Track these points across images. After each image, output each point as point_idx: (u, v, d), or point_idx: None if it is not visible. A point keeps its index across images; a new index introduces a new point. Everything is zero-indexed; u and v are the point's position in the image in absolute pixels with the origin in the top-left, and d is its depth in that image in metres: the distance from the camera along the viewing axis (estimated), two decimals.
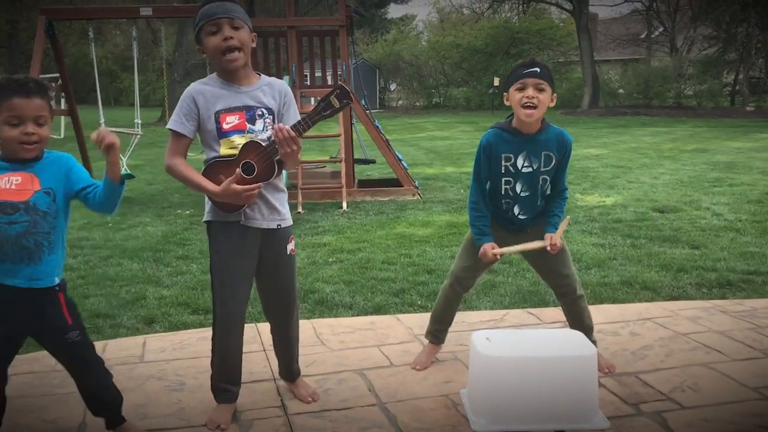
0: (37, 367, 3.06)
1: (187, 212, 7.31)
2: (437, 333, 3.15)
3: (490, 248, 2.82)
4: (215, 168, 2.44)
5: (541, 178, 2.85)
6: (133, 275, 4.81)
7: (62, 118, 18.41)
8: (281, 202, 2.57)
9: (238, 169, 2.38)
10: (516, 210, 2.90)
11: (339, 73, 8.72)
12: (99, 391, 2.41)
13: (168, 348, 3.38)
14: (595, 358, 2.54)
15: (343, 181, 7.76)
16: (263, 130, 2.46)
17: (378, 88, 36.98)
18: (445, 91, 34.98)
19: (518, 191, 2.86)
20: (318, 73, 9.42)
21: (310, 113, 2.39)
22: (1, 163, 2.18)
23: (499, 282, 4.41)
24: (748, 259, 4.91)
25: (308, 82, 10.71)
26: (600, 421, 2.53)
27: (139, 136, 9.20)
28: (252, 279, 2.62)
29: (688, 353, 3.22)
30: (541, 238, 2.86)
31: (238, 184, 2.38)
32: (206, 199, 2.54)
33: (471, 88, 33.42)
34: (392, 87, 39.79)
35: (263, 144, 2.41)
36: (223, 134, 2.44)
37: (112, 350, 3.35)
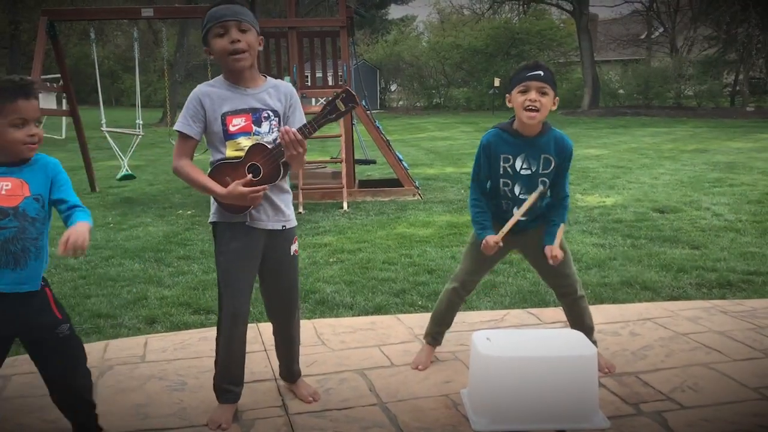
0: (36, 367, 3.06)
1: (189, 212, 7.32)
2: (436, 335, 3.16)
3: (491, 239, 2.82)
4: (221, 170, 2.46)
5: (540, 180, 2.84)
6: (135, 275, 4.82)
7: (63, 118, 18.47)
8: (286, 203, 2.60)
9: (249, 176, 2.41)
10: (515, 211, 2.90)
11: (340, 73, 8.73)
12: (84, 391, 2.40)
13: (169, 348, 3.39)
14: (595, 358, 2.55)
15: (344, 181, 7.77)
16: (269, 132, 2.48)
17: (378, 88, 37.01)
18: (446, 92, 35.00)
19: (517, 193, 2.87)
20: (319, 74, 9.41)
21: (316, 117, 2.41)
22: None
23: (500, 282, 4.42)
24: (748, 260, 4.92)
25: (309, 83, 10.71)
26: (600, 421, 2.54)
27: (140, 136, 9.20)
28: (255, 279, 2.63)
29: (689, 353, 3.22)
30: (542, 240, 2.88)
31: (243, 185, 2.40)
32: (212, 200, 2.55)
33: (471, 88, 33.44)
34: (393, 87, 39.82)
35: (269, 146, 2.43)
36: (229, 136, 2.45)
37: (113, 350, 3.36)
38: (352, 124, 8.77)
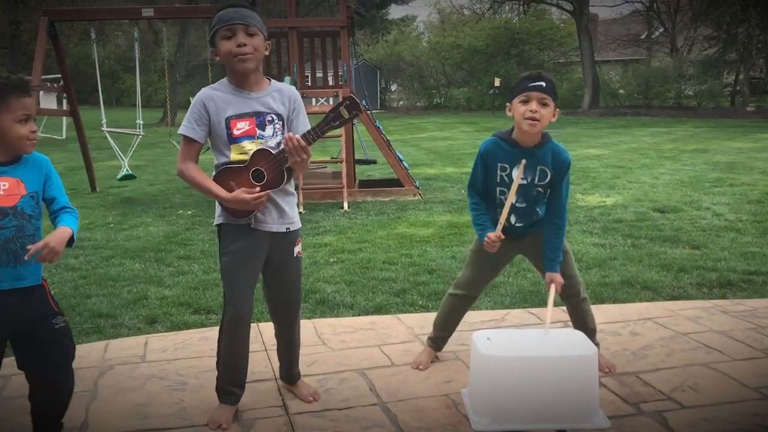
0: None
1: (189, 212, 7.32)
2: (438, 340, 3.16)
3: (491, 235, 2.82)
4: (226, 174, 2.48)
5: (536, 190, 2.85)
6: (135, 275, 4.82)
7: (64, 118, 18.47)
8: (291, 205, 2.61)
9: (258, 188, 2.43)
10: (513, 219, 2.91)
11: (340, 73, 8.73)
12: (68, 391, 2.40)
13: (170, 348, 3.39)
14: (595, 357, 2.55)
15: (344, 181, 7.77)
16: (273, 135, 2.49)
17: (379, 88, 37.01)
18: (446, 92, 35.00)
19: (513, 202, 2.86)
20: (319, 74, 9.42)
21: (320, 124, 2.42)
22: None
23: (500, 282, 4.42)
24: (748, 259, 4.92)
25: (309, 83, 10.72)
26: (601, 420, 2.54)
27: (140, 136, 9.20)
28: (258, 280, 2.64)
29: (689, 353, 3.22)
30: (540, 246, 2.89)
31: (248, 192, 2.42)
32: (217, 203, 2.56)
33: (471, 88, 33.44)
34: (393, 87, 39.82)
35: (273, 152, 2.44)
36: (233, 140, 2.47)
37: (113, 350, 3.36)
38: (353, 125, 8.77)
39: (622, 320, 3.69)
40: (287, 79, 8.06)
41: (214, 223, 2.63)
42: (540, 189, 2.85)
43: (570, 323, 3.17)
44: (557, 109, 2.79)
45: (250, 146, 2.46)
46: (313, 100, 10.02)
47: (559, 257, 2.87)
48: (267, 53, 2.54)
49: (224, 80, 2.54)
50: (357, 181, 8.85)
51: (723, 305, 3.92)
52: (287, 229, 2.59)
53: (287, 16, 8.77)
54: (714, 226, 6.03)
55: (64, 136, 18.59)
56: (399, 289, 4.37)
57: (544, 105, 2.72)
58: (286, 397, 2.80)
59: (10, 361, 2.36)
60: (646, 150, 12.95)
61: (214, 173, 2.52)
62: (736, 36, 24.50)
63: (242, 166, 2.45)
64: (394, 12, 47.63)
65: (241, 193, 2.41)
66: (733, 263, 4.81)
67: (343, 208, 7.37)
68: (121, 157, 8.81)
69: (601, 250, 5.26)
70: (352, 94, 2.50)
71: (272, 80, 2.59)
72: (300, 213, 6.90)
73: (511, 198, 2.79)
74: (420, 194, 8.06)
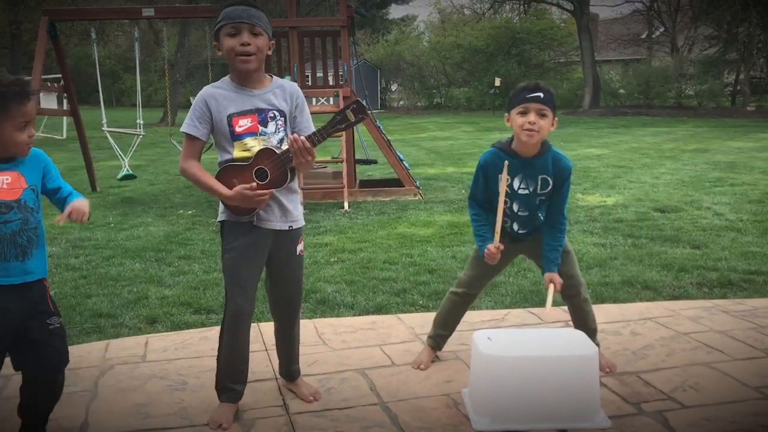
0: None
1: (189, 212, 7.32)
2: (437, 338, 3.16)
3: (491, 246, 2.83)
4: (228, 172, 2.48)
5: (538, 199, 2.86)
6: (135, 275, 4.82)
7: (64, 118, 18.47)
8: (294, 204, 2.61)
9: (255, 183, 2.43)
10: (515, 227, 2.93)
11: (340, 73, 8.73)
12: (58, 390, 2.41)
13: (170, 347, 3.39)
14: (596, 357, 2.55)
15: (345, 181, 7.77)
16: (275, 132, 2.50)
17: (379, 88, 37.02)
18: (446, 92, 35.00)
19: (515, 210, 2.88)
20: (319, 74, 9.42)
21: (326, 125, 2.42)
22: None
23: (500, 281, 4.42)
24: (749, 259, 4.91)
25: (309, 83, 10.72)
26: (601, 420, 2.54)
27: (141, 136, 9.20)
28: (260, 278, 2.65)
29: (690, 353, 3.22)
30: (539, 248, 2.90)
31: (250, 189, 2.42)
32: (220, 200, 2.56)
33: (472, 88, 33.44)
34: (393, 87, 39.82)
35: (277, 151, 2.45)
36: (236, 137, 2.47)
37: (114, 350, 3.36)
38: None
39: (623, 320, 3.69)
40: (288, 78, 8.06)
41: (217, 220, 2.63)
42: (542, 197, 2.86)
43: (570, 323, 3.17)
44: (556, 119, 2.79)
45: (253, 143, 2.47)
46: (314, 99, 9.99)
47: (557, 259, 2.88)
48: (270, 53, 2.54)
49: (226, 78, 2.55)
50: (357, 181, 8.85)
51: (724, 305, 3.92)
52: (290, 227, 2.60)
53: (287, 15, 8.76)
54: (714, 226, 6.03)
55: (64, 136, 18.60)
56: (399, 288, 4.37)
57: (543, 116, 2.72)
58: (287, 397, 2.80)
59: (10, 360, 2.36)
60: (647, 150, 12.95)
61: (217, 172, 2.52)
62: (737, 35, 24.49)
63: (246, 165, 2.46)
64: (395, 12, 47.68)
65: (242, 189, 2.41)
66: (734, 263, 4.80)
67: (343, 207, 7.37)
68: (122, 157, 8.81)
69: (602, 250, 5.26)
70: (358, 98, 2.50)
71: (274, 77, 2.60)
72: None
73: (501, 204, 2.79)
74: (420, 194, 8.06)
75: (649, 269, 4.71)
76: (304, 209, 7.66)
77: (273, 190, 2.47)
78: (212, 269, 4.90)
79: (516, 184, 2.84)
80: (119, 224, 6.74)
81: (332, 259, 5.18)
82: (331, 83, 9.26)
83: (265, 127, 2.48)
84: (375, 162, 9.86)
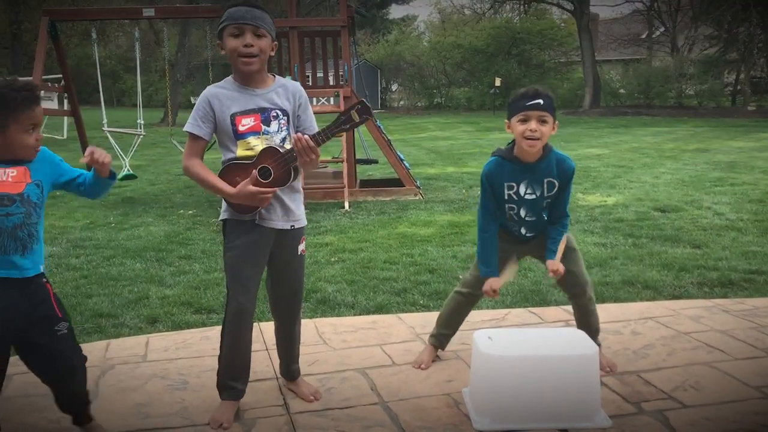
0: None
1: (190, 212, 7.32)
2: (440, 337, 3.16)
3: (491, 288, 2.87)
4: (231, 170, 2.49)
5: (545, 202, 2.87)
6: (136, 275, 4.82)
7: (65, 118, 18.48)
8: (297, 203, 2.62)
9: (254, 171, 2.43)
10: (522, 231, 2.94)
11: (341, 73, 8.73)
12: (80, 387, 2.42)
13: (171, 347, 3.39)
14: (596, 356, 2.55)
15: (345, 181, 7.77)
16: (278, 131, 2.51)
17: (379, 88, 37.00)
18: (447, 92, 34.98)
19: (523, 216, 2.89)
20: (319, 74, 9.41)
21: (331, 125, 2.44)
22: None
23: None
24: (749, 259, 4.91)
25: (310, 83, 10.71)
26: (602, 419, 2.54)
27: (141, 136, 9.19)
28: (262, 277, 2.65)
29: (690, 352, 3.22)
30: (543, 248, 2.90)
31: (253, 186, 2.42)
32: (222, 200, 2.58)
33: (472, 88, 33.42)
34: (394, 87, 39.80)
35: (281, 150, 2.45)
36: (239, 136, 2.48)
37: (114, 349, 3.36)
38: None
39: (624, 319, 3.69)
40: (288, 78, 8.06)
41: (219, 218, 2.64)
42: (549, 200, 2.87)
43: (571, 323, 3.17)
44: (556, 123, 2.80)
45: (256, 142, 2.48)
46: (314, 99, 9.99)
47: (558, 247, 2.88)
48: (273, 53, 2.55)
49: (229, 78, 2.56)
50: (358, 181, 8.85)
51: (724, 304, 3.92)
52: (292, 226, 2.60)
53: (288, 15, 8.76)
54: (715, 226, 6.03)
55: (65, 136, 18.59)
56: (400, 288, 4.37)
57: (543, 122, 2.73)
58: (288, 397, 2.81)
59: (12, 360, 2.36)
60: (647, 149, 12.94)
61: (220, 170, 2.53)
62: (737, 35, 24.48)
63: (249, 163, 2.46)
64: (395, 12, 47.64)
65: (245, 186, 2.41)
66: (734, 262, 4.80)
67: (344, 207, 7.37)
68: (122, 157, 8.81)
69: (602, 250, 5.26)
70: (363, 99, 2.51)
71: (277, 76, 2.61)
72: None
73: (508, 276, 2.87)
74: (421, 194, 8.06)
75: (649, 269, 4.71)
76: (306, 209, 7.65)
77: (276, 189, 2.48)
78: (213, 269, 4.91)
79: (522, 190, 2.84)
80: (120, 224, 6.74)
81: (333, 259, 5.18)
82: (331, 83, 9.25)
83: (268, 126, 2.49)
84: (376, 162, 9.86)
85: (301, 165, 2.46)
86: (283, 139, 2.51)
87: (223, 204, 2.59)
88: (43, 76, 8.92)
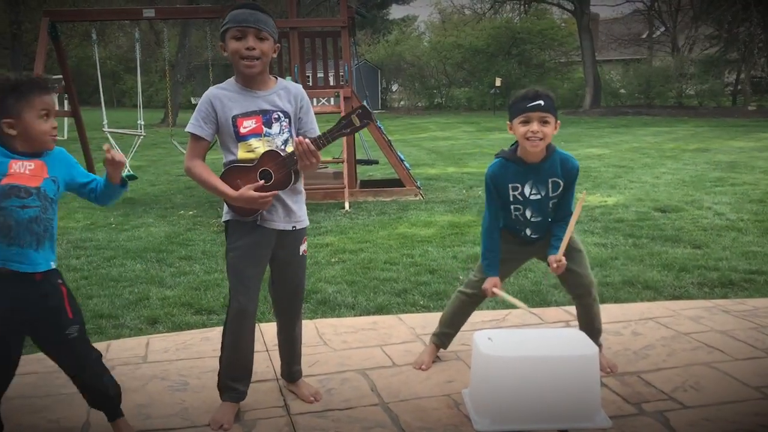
0: (40, 367, 3.07)
1: (190, 213, 7.32)
2: (443, 337, 3.17)
3: (491, 285, 2.87)
4: (233, 173, 2.51)
5: (550, 203, 2.87)
6: (137, 276, 4.82)
7: (65, 119, 18.47)
8: (299, 204, 2.64)
9: (262, 181, 2.45)
10: (528, 232, 2.95)
11: (341, 73, 8.74)
12: (98, 384, 2.44)
13: (171, 348, 3.39)
14: (596, 357, 2.54)
15: (346, 181, 7.77)
16: (279, 133, 2.52)
17: (380, 88, 36.98)
18: (447, 92, 34.98)
19: (528, 216, 2.90)
20: (320, 74, 9.42)
21: (332, 129, 2.45)
22: (12, 154, 2.24)
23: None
24: (750, 259, 4.91)
25: (310, 83, 10.72)
26: (602, 420, 2.54)
27: (141, 137, 9.22)
28: (263, 277, 2.66)
29: (690, 353, 3.22)
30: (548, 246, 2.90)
31: (254, 191, 2.44)
32: (224, 201, 2.58)
33: (473, 88, 33.40)
34: (394, 88, 39.79)
35: (282, 154, 2.47)
36: (240, 138, 2.49)
37: (115, 350, 3.36)
38: None
39: (624, 320, 3.69)
40: (288, 79, 8.06)
41: (222, 220, 2.66)
42: (555, 200, 2.87)
43: (571, 323, 3.17)
44: (558, 122, 2.80)
45: (257, 144, 2.49)
46: (314, 100, 10.00)
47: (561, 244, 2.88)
48: (275, 56, 2.56)
49: (231, 80, 2.57)
50: (358, 182, 8.85)
51: (724, 305, 3.92)
52: (293, 227, 2.62)
53: (288, 16, 8.78)
54: (715, 226, 6.03)
55: (65, 137, 18.57)
56: (400, 289, 4.38)
57: (545, 123, 2.73)
58: (288, 398, 2.81)
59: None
60: (648, 149, 12.94)
61: (222, 172, 2.54)
62: (738, 35, 24.46)
63: (250, 166, 2.48)
64: (395, 12, 47.63)
65: (246, 190, 2.43)
66: (735, 263, 4.80)
67: (344, 208, 7.37)
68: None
69: (603, 250, 5.26)
70: (364, 104, 2.53)
71: (279, 78, 2.62)
72: None
73: (511, 300, 2.84)
74: (421, 194, 8.06)
75: (649, 269, 4.71)
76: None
77: (276, 192, 2.49)
78: (213, 270, 4.91)
79: (527, 190, 2.84)
80: (120, 225, 6.74)
81: (333, 260, 5.18)
82: (332, 84, 9.26)
83: (270, 128, 2.50)
84: (376, 162, 9.86)
85: (301, 168, 2.48)
86: (285, 141, 2.52)
87: (225, 205, 2.60)
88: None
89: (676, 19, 30.91)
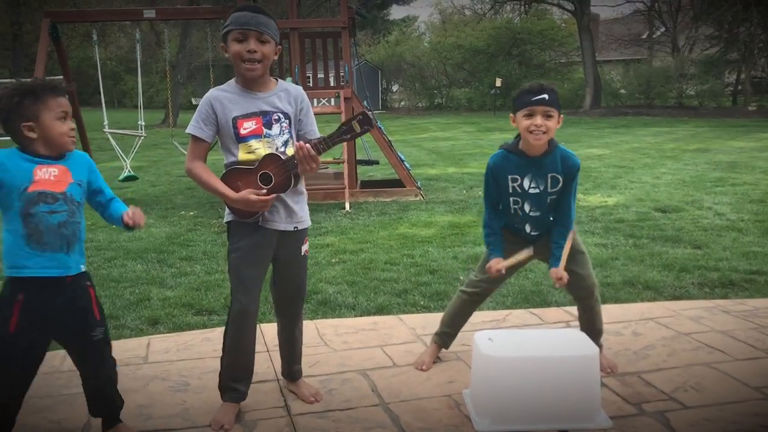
0: (42, 368, 3.07)
1: (191, 214, 7.33)
2: (444, 336, 3.17)
3: (496, 265, 2.87)
4: (233, 175, 2.52)
5: (549, 198, 2.87)
6: (137, 276, 4.83)
7: None
8: (300, 204, 2.65)
9: (264, 190, 2.46)
10: (527, 228, 2.95)
11: (341, 74, 8.74)
12: (109, 390, 2.46)
13: (172, 349, 3.39)
14: (597, 357, 2.55)
15: (346, 182, 7.77)
16: (280, 134, 2.53)
17: (380, 89, 36.99)
18: (447, 92, 34.98)
19: (527, 211, 2.90)
20: (320, 75, 9.44)
21: (332, 134, 2.46)
22: (36, 159, 2.26)
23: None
24: (750, 259, 4.91)
25: (310, 84, 10.73)
26: (603, 420, 2.54)
27: (142, 137, 9.21)
28: (265, 278, 2.67)
29: (691, 353, 3.22)
30: (549, 251, 2.90)
31: (254, 195, 2.45)
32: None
33: (473, 88, 33.40)
34: (394, 88, 39.79)
35: (283, 157, 2.48)
36: (240, 139, 2.51)
37: (116, 351, 3.30)
38: None
39: (624, 320, 3.69)
40: (289, 79, 8.07)
41: (224, 221, 2.67)
42: (553, 197, 2.87)
43: (571, 324, 3.17)
44: (561, 116, 2.81)
45: (257, 145, 2.50)
46: (315, 101, 10.03)
47: (562, 254, 2.88)
48: (276, 58, 2.57)
49: (232, 81, 2.58)
50: (359, 182, 8.85)
51: (725, 305, 3.92)
52: (295, 227, 2.63)
53: (288, 16, 8.78)
54: (716, 226, 6.03)
55: None
56: (401, 289, 4.38)
57: (549, 117, 2.74)
58: (288, 398, 2.81)
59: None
60: (648, 150, 12.94)
61: (222, 174, 2.55)
62: (738, 35, 24.47)
63: (251, 168, 2.49)
64: (396, 12, 47.66)
65: (247, 194, 2.45)
66: (735, 263, 4.80)
67: (344, 208, 7.37)
68: (123, 159, 8.82)
69: (603, 250, 5.26)
70: (365, 110, 2.54)
71: (279, 80, 2.63)
72: None
73: (524, 256, 2.84)
74: (421, 195, 8.06)
75: (650, 269, 4.71)
76: None
77: (275, 196, 2.50)
78: (214, 270, 4.91)
79: (527, 183, 2.85)
80: None
81: (333, 260, 5.19)
82: (332, 84, 9.27)
83: (270, 129, 2.52)
84: (377, 163, 9.87)
85: (300, 172, 2.50)
86: (285, 143, 2.53)
87: (227, 206, 2.61)
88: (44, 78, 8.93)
89: (676, 19, 30.90)
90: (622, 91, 29.13)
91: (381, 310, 3.99)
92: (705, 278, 4.48)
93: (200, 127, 2.52)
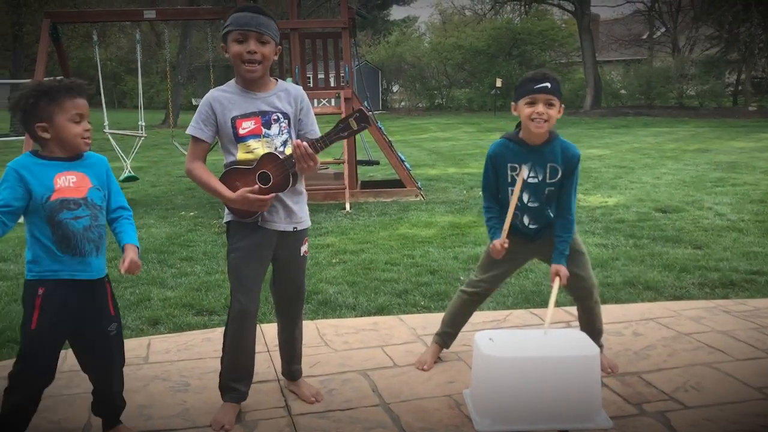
0: None
1: (191, 214, 7.33)
2: (445, 336, 3.17)
3: (497, 242, 2.83)
4: (232, 175, 2.52)
5: (547, 189, 2.86)
6: (138, 277, 4.82)
7: None
8: (300, 205, 2.65)
9: (258, 186, 2.47)
10: (526, 220, 2.93)
11: (342, 74, 8.74)
12: (116, 387, 2.48)
13: (172, 349, 3.40)
14: (597, 357, 2.54)
15: (346, 182, 7.77)
16: (279, 134, 2.54)
17: (380, 89, 37.01)
18: (448, 93, 34.99)
19: (525, 201, 2.89)
20: (321, 75, 9.44)
21: (329, 133, 2.46)
22: (53, 163, 2.28)
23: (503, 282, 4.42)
24: (750, 259, 4.91)
25: (311, 84, 10.73)
26: (603, 420, 2.54)
27: (142, 138, 9.21)
28: (264, 278, 2.67)
29: (691, 353, 3.22)
30: (551, 251, 2.89)
31: (252, 194, 2.45)
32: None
33: (473, 89, 33.42)
34: (395, 88, 39.82)
35: (281, 156, 2.48)
36: (239, 139, 2.51)
37: None
38: None
39: (625, 320, 3.69)
40: (289, 80, 8.07)
41: (224, 221, 2.67)
42: (552, 188, 2.86)
43: (572, 324, 3.17)
44: (562, 106, 2.80)
45: (256, 145, 2.50)
46: (315, 101, 10.03)
47: (566, 250, 2.87)
48: (276, 58, 2.58)
49: (232, 81, 2.59)
50: (359, 182, 8.85)
51: (725, 305, 3.92)
52: (294, 228, 2.63)
53: (289, 17, 8.78)
54: (716, 226, 6.03)
55: None
56: (401, 289, 4.38)
57: (551, 105, 2.74)
58: (289, 398, 2.81)
59: (7, 363, 2.37)
60: (648, 150, 12.94)
61: (221, 174, 2.55)
62: (738, 36, 24.48)
63: (249, 168, 2.49)
64: (396, 13, 47.68)
65: (244, 192, 2.45)
66: (736, 263, 4.80)
67: (345, 209, 7.37)
68: (124, 159, 8.82)
69: (603, 251, 5.26)
70: (362, 107, 2.53)
71: (279, 80, 2.63)
72: None
73: (515, 199, 2.79)
74: (422, 195, 8.06)
75: (650, 269, 4.71)
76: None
77: (274, 195, 2.50)
78: (214, 270, 4.91)
79: (525, 172, 2.84)
80: None
81: (334, 260, 5.19)
82: (332, 85, 9.27)
83: (269, 129, 2.52)
84: (377, 163, 9.87)
85: (299, 171, 2.49)
86: (284, 142, 2.54)
87: (227, 207, 2.61)
88: (45, 78, 8.94)
89: (676, 19, 30.90)
90: (623, 91, 29.14)
91: (381, 311, 3.99)
92: (705, 278, 4.48)
93: (200, 127, 2.52)
